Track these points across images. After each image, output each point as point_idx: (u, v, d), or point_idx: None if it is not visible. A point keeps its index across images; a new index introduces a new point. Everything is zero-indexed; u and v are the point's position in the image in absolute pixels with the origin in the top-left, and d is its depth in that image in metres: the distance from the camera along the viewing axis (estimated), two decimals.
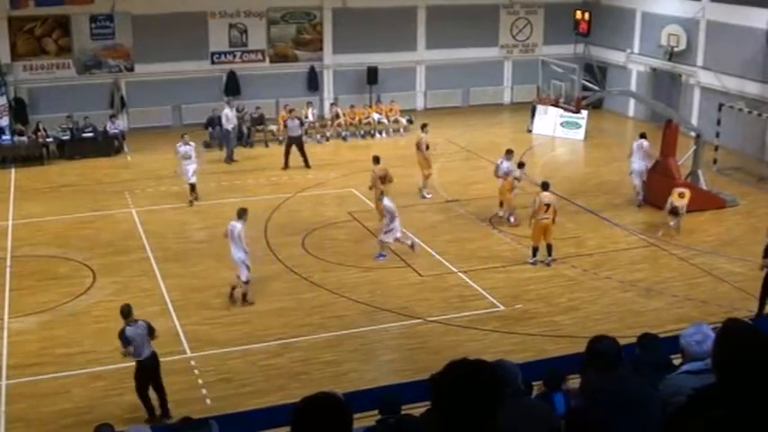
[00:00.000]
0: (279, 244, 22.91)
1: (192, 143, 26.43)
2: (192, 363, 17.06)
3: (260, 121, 33.43)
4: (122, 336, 14.67)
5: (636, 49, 37.47)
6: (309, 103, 34.95)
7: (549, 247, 21.80)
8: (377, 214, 23.65)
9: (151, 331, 14.85)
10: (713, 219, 25.39)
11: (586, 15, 37.60)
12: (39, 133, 31.33)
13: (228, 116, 31.55)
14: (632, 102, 37.55)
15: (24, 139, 31.28)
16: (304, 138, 31.24)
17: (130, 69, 34.98)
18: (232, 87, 35.93)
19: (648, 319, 18.40)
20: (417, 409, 11.17)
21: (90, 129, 32.10)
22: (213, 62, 36.01)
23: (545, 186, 21.98)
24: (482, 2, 38.78)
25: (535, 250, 21.79)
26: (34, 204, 26.27)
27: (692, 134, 27.40)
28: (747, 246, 22.95)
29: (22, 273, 21.04)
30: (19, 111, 32.94)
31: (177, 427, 12.16)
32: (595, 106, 36.19)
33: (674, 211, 23.72)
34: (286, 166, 29.84)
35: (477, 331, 18.27)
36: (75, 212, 25.33)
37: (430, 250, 22.67)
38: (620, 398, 5.88)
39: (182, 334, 18.13)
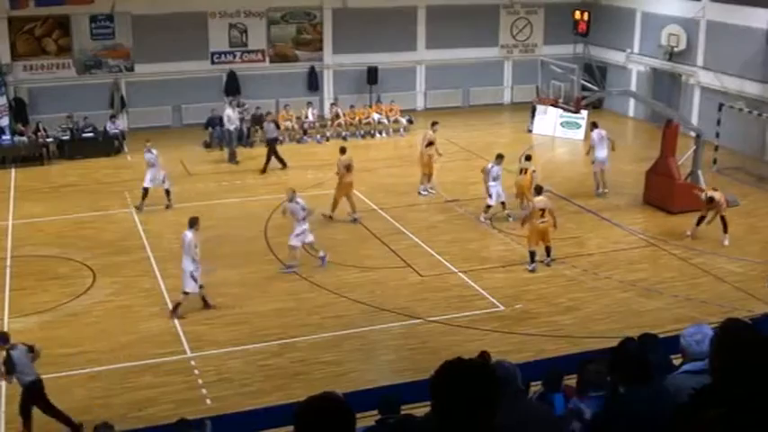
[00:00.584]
0: (279, 244, 22.91)
1: (154, 150, 25.79)
2: (192, 363, 17.06)
3: (260, 119, 33.41)
4: (8, 361, 14.17)
5: (636, 49, 37.46)
6: (309, 103, 34.98)
7: (548, 249, 21.79)
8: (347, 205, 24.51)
9: (31, 350, 14.39)
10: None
11: (585, 15, 37.57)
12: (39, 133, 31.35)
13: (230, 116, 31.57)
14: (632, 102, 37.55)
15: (24, 139, 31.30)
16: (304, 138, 31.33)
17: (130, 69, 34.99)
18: (232, 87, 35.93)
19: (648, 320, 18.40)
20: (418, 410, 11.20)
21: (90, 129, 32.13)
22: (213, 62, 36.00)
23: (538, 191, 21.90)
24: (482, 2, 38.78)
25: (533, 255, 21.60)
26: (34, 204, 26.27)
27: (692, 134, 27.41)
28: (747, 246, 22.98)
29: (22, 273, 21.05)
30: (19, 111, 32.94)
31: (173, 427, 12.18)
32: (595, 106, 36.18)
33: (711, 201, 22.89)
34: (283, 166, 29.94)
35: (477, 331, 18.27)
36: (75, 212, 25.34)
37: (430, 250, 22.68)
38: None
39: (181, 334, 18.14)
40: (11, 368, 14.24)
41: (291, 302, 19.70)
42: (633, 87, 37.07)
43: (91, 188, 28.16)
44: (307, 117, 33.90)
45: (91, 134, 32.05)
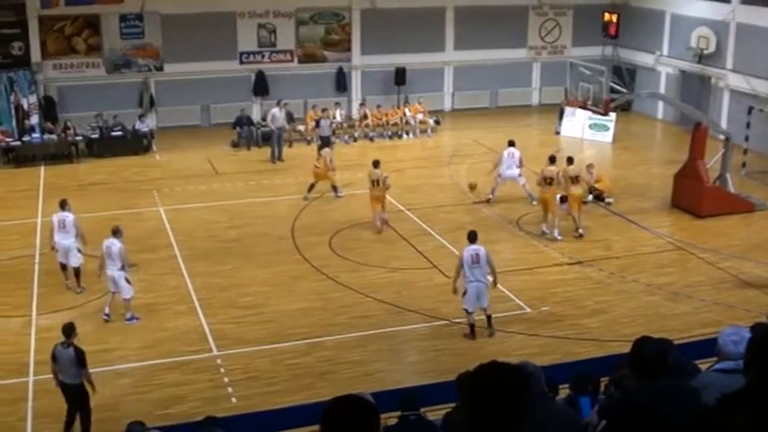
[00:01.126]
0: (306, 244, 22.98)
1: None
2: (219, 361, 17.14)
3: (290, 119, 33.40)
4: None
5: (665, 52, 37.24)
6: (337, 104, 35.03)
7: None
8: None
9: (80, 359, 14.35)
10: (741, 222, 25.20)
11: (615, 17, 37.45)
12: (68, 131, 31.57)
13: (276, 116, 31.68)
14: (661, 104, 37.32)
15: (54, 137, 31.54)
16: (332, 138, 31.44)
17: (159, 69, 35.19)
18: (260, 87, 36.05)
19: (675, 323, 18.33)
20: (439, 412, 11.24)
21: (119, 127, 32.33)
22: (242, 62, 36.12)
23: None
24: (511, 3, 38.68)
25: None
26: None
27: (721, 137, 27.21)
28: None
29: (50, 270, 21.19)
30: (48, 109, 33.22)
31: (200, 425, 12.23)
32: (624, 109, 36.03)
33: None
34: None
35: (502, 333, 18.22)
36: (103, 210, 25.47)
37: (456, 252, 22.63)
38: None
39: (208, 332, 18.22)
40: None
41: (318, 302, 19.74)
42: (662, 90, 36.83)
43: (119, 186, 28.34)
44: (335, 118, 33.96)
45: (120, 133, 32.24)
